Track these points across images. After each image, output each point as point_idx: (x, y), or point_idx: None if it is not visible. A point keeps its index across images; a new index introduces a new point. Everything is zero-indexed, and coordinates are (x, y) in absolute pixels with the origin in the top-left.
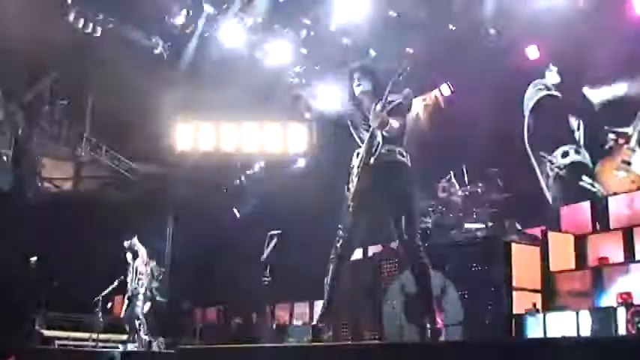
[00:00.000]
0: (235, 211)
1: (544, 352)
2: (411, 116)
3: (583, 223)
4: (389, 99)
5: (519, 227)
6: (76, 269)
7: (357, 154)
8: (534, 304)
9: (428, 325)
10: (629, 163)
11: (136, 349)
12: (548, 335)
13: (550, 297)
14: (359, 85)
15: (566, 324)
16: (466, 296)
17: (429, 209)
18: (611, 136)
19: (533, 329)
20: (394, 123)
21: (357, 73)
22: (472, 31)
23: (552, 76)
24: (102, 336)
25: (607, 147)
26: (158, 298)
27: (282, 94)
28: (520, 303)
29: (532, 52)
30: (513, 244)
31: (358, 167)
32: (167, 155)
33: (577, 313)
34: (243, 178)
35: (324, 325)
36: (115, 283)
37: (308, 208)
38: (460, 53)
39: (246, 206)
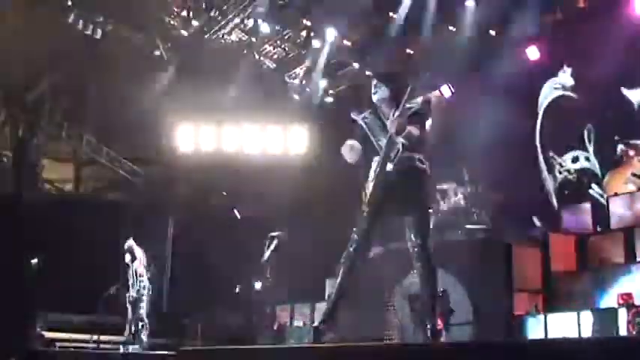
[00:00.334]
0: (236, 212)
1: (545, 353)
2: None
3: (584, 224)
4: (407, 106)
5: (520, 228)
6: (76, 271)
7: (375, 160)
8: (535, 305)
9: (428, 326)
10: (639, 177)
11: (137, 350)
12: (550, 336)
13: (551, 298)
14: (376, 92)
15: (567, 325)
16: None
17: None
18: (622, 147)
19: (535, 330)
20: (413, 130)
21: (375, 80)
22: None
23: (566, 77)
24: (103, 337)
25: (617, 158)
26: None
27: (283, 96)
28: (521, 304)
29: (532, 53)
30: (514, 245)
31: (375, 172)
32: (168, 157)
33: (578, 314)
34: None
35: (325, 327)
36: (113, 290)
37: (309, 210)
38: (462, 54)
39: (247, 207)
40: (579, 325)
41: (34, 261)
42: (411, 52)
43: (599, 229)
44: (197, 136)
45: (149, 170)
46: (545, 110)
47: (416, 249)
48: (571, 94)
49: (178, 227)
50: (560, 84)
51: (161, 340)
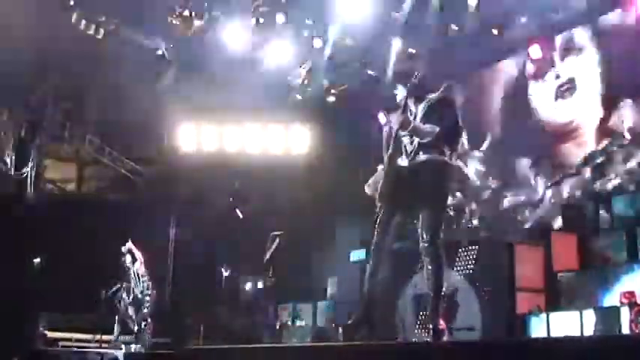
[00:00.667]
0: (238, 211)
1: (548, 352)
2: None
3: (586, 223)
4: (419, 109)
5: (522, 227)
6: (79, 270)
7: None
8: (538, 305)
9: (430, 326)
10: None
11: (139, 349)
12: (552, 335)
13: (553, 297)
14: (395, 93)
15: (569, 324)
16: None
17: None
18: None
19: (537, 329)
20: (420, 125)
21: (395, 81)
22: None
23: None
24: (105, 337)
25: None
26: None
27: (285, 95)
28: (523, 303)
29: (534, 52)
30: (517, 244)
31: (384, 169)
32: (170, 156)
33: (581, 313)
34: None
35: (359, 324)
36: (111, 291)
37: (310, 209)
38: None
39: (249, 207)
40: (582, 323)
41: (37, 260)
42: (414, 51)
43: (601, 227)
44: (199, 136)
45: (151, 170)
46: None
47: (425, 245)
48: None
49: (180, 227)
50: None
51: (163, 340)
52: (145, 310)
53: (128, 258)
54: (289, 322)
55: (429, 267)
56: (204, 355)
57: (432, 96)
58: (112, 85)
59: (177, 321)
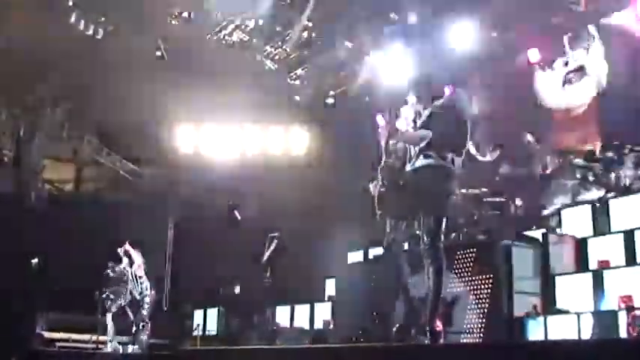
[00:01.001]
0: (236, 213)
1: (545, 356)
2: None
3: (584, 225)
4: (425, 110)
5: (520, 230)
6: (77, 271)
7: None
8: (535, 307)
9: (427, 327)
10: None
11: (137, 350)
12: (549, 338)
13: (551, 300)
14: (406, 100)
15: (567, 327)
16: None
17: None
18: None
19: (534, 332)
20: (409, 133)
21: (408, 86)
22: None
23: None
24: (102, 338)
25: None
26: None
27: (284, 96)
28: (520, 306)
29: (533, 55)
30: (514, 247)
31: (380, 175)
32: (168, 157)
33: (578, 317)
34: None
35: (409, 325)
36: (99, 294)
37: (308, 210)
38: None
39: (248, 208)
40: (579, 327)
41: (35, 261)
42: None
43: (599, 230)
44: (198, 137)
45: (149, 171)
46: None
47: (425, 247)
48: None
49: (178, 228)
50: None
51: (161, 341)
52: (144, 312)
53: (125, 260)
54: (288, 324)
55: (430, 269)
56: (202, 356)
57: (437, 102)
58: (110, 85)
59: (176, 322)
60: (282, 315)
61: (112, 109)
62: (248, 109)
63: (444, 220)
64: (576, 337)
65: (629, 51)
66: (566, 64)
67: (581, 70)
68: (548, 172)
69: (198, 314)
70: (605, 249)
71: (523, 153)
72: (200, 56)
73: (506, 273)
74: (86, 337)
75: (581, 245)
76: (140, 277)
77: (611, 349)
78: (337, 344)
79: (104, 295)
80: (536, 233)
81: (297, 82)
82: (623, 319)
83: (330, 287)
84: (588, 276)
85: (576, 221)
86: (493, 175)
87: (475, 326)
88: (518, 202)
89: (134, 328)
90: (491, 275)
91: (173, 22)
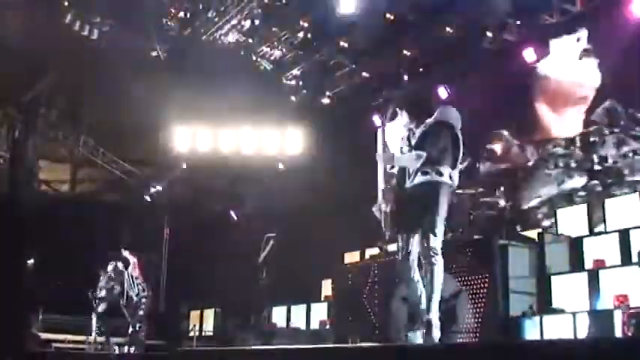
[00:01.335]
0: (232, 213)
1: (541, 355)
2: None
3: (579, 225)
4: (418, 128)
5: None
6: (73, 272)
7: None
8: (531, 307)
9: (423, 318)
10: None
11: (134, 351)
12: (545, 338)
13: (546, 299)
14: (400, 118)
15: (562, 326)
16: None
17: None
18: None
19: (530, 332)
20: (403, 157)
21: (397, 105)
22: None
23: None
24: (99, 339)
25: None
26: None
27: (280, 97)
28: (516, 305)
29: (529, 55)
30: (509, 247)
31: (383, 192)
32: (164, 158)
33: (574, 316)
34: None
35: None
36: (90, 294)
37: (304, 211)
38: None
39: (244, 208)
40: (575, 326)
41: (30, 262)
42: (408, 53)
43: (594, 230)
44: (193, 137)
45: (145, 171)
46: None
47: (424, 248)
48: None
49: (174, 228)
50: None
51: (157, 342)
52: (141, 312)
53: (120, 264)
54: (284, 324)
55: (428, 268)
56: (198, 357)
57: (429, 120)
58: (107, 86)
59: (172, 322)
60: (278, 315)
61: (107, 110)
62: (244, 110)
63: (443, 230)
64: (572, 337)
65: (624, 49)
66: (579, 40)
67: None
68: (530, 164)
69: (194, 315)
70: (601, 248)
71: (501, 148)
72: (196, 56)
73: (502, 272)
74: (82, 337)
75: (576, 245)
76: (136, 278)
77: (607, 349)
78: (334, 344)
79: (91, 295)
80: (532, 233)
81: (293, 82)
82: (618, 318)
83: (327, 287)
84: (584, 275)
85: (572, 221)
86: (475, 173)
87: (471, 326)
88: (501, 200)
89: (130, 329)
90: (487, 275)
91: (169, 22)
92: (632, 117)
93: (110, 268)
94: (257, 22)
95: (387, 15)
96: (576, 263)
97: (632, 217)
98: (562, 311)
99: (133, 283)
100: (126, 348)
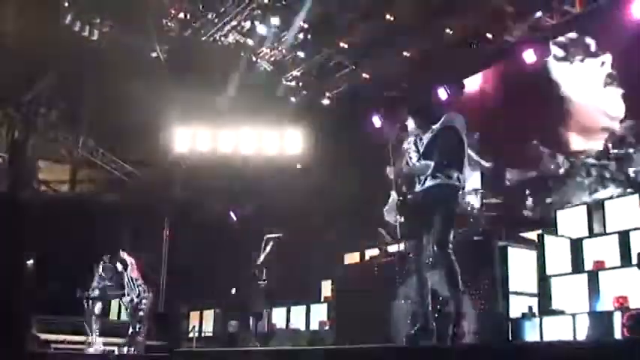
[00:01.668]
0: (232, 214)
1: (541, 357)
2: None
3: (579, 226)
4: (425, 134)
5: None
6: (72, 272)
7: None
8: (530, 308)
9: (451, 329)
10: None
11: (134, 352)
12: (545, 339)
13: (546, 301)
14: (407, 124)
15: (562, 328)
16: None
17: None
18: None
19: (530, 333)
20: (413, 167)
21: (407, 113)
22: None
23: None
24: (98, 339)
25: None
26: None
27: (279, 97)
28: (516, 306)
29: (529, 56)
30: (509, 248)
31: (394, 199)
32: (164, 158)
33: (573, 317)
34: None
35: (421, 333)
36: (79, 293)
37: (304, 211)
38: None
39: (243, 210)
40: (575, 328)
41: (30, 262)
42: (408, 54)
43: (594, 231)
44: (193, 138)
45: (145, 172)
46: None
47: (435, 251)
48: None
49: (174, 229)
50: None
51: (157, 342)
52: (141, 314)
53: (119, 265)
54: (284, 325)
55: (442, 271)
56: (198, 358)
57: (435, 126)
58: (106, 86)
59: (172, 323)
60: (278, 316)
61: (107, 111)
62: (244, 110)
63: (452, 231)
64: (572, 338)
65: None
66: (603, 64)
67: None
68: (561, 172)
69: (194, 315)
70: (601, 250)
71: (532, 156)
72: (196, 57)
73: (502, 274)
74: (81, 338)
75: (576, 246)
76: (136, 280)
77: (607, 350)
78: (334, 346)
79: (85, 296)
80: (532, 234)
81: (293, 83)
82: (618, 319)
83: (326, 288)
84: (583, 277)
85: (572, 222)
86: (499, 180)
87: (471, 327)
88: (529, 203)
89: (130, 330)
90: (488, 276)
91: (169, 23)
92: None
93: (101, 268)
94: (256, 22)
95: (387, 15)
96: (576, 264)
97: (632, 219)
98: (562, 312)
99: (134, 284)
100: (125, 349)
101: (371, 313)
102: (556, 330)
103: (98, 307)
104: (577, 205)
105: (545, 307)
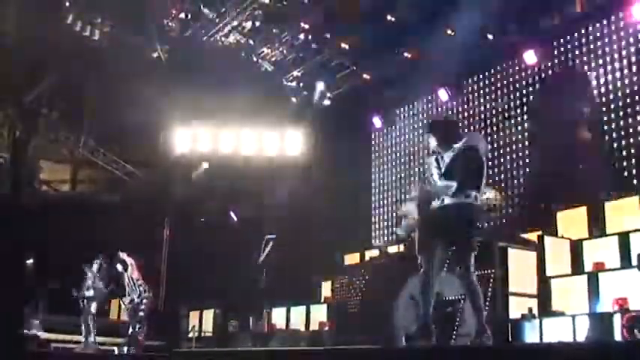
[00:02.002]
0: (232, 214)
1: (541, 358)
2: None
3: (579, 228)
4: (446, 152)
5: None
6: (72, 272)
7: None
8: (530, 309)
9: (482, 339)
10: None
11: (132, 351)
12: (545, 340)
13: (546, 302)
14: (428, 142)
15: (562, 329)
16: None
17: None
18: None
19: (530, 334)
20: (436, 189)
21: (427, 130)
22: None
23: None
24: (98, 339)
25: None
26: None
27: (281, 98)
28: (516, 308)
29: (529, 57)
30: (510, 249)
31: (419, 215)
32: (165, 158)
33: (573, 319)
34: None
35: (420, 334)
36: (75, 293)
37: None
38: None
39: (243, 210)
40: (574, 329)
41: (30, 261)
42: (409, 55)
43: (594, 233)
44: (194, 138)
45: (146, 172)
46: None
47: (460, 274)
48: None
49: (174, 229)
50: None
51: (157, 342)
52: (141, 314)
53: (119, 267)
54: (284, 326)
55: (467, 293)
56: (197, 358)
57: (457, 145)
58: (107, 87)
59: (171, 323)
60: (278, 316)
61: (108, 111)
62: (244, 111)
63: (473, 251)
64: (571, 340)
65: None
66: None
67: None
68: None
69: (194, 315)
70: (601, 251)
71: None
72: (197, 58)
73: (502, 275)
74: (81, 338)
75: (576, 247)
76: (137, 280)
77: (606, 352)
78: (334, 346)
79: (79, 296)
80: (532, 235)
81: (294, 83)
82: (617, 321)
83: (326, 289)
84: (583, 278)
85: (572, 223)
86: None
87: (471, 328)
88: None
89: (130, 330)
90: (488, 277)
91: (170, 23)
92: None
93: (95, 267)
94: (257, 23)
95: (388, 17)
96: (576, 266)
97: (632, 221)
98: (562, 314)
99: (134, 284)
100: (125, 348)
101: (371, 313)
102: (556, 331)
103: (94, 307)
104: (577, 206)
105: (545, 309)
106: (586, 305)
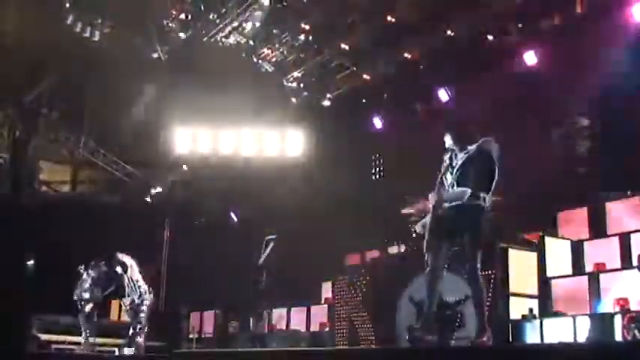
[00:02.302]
0: (232, 215)
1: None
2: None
3: (580, 228)
4: (460, 153)
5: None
6: (72, 273)
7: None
8: (531, 310)
9: (484, 339)
10: None
11: (133, 352)
12: (545, 341)
13: (547, 302)
14: (444, 141)
15: (563, 330)
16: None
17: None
18: None
19: (531, 335)
20: (450, 195)
21: (445, 128)
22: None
23: None
24: (98, 340)
25: None
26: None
27: (281, 98)
28: (517, 308)
29: (529, 58)
30: (510, 249)
31: (433, 214)
32: (165, 159)
33: (574, 319)
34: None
35: (421, 332)
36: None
37: (304, 213)
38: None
39: (243, 211)
40: (575, 330)
41: (30, 262)
42: (409, 55)
43: (595, 233)
44: (194, 139)
45: (146, 173)
46: None
47: (466, 275)
48: None
49: (174, 229)
50: None
51: (157, 343)
52: (142, 314)
53: (119, 268)
54: (283, 326)
55: (474, 293)
56: (198, 359)
57: (471, 148)
58: (108, 87)
59: (172, 324)
60: (278, 317)
61: (108, 111)
62: (244, 111)
63: (480, 250)
64: (572, 340)
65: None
66: None
67: None
68: None
69: (194, 316)
70: (601, 252)
71: None
72: (197, 58)
73: (502, 275)
74: (81, 339)
75: (577, 248)
76: (137, 281)
77: (607, 352)
78: (334, 347)
79: (75, 297)
80: (533, 236)
81: (294, 84)
82: (618, 321)
83: (327, 290)
84: (584, 279)
85: (573, 224)
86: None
87: (470, 331)
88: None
89: (131, 331)
90: (488, 277)
91: (170, 24)
92: None
93: (92, 272)
94: (258, 24)
95: (388, 17)
96: (577, 266)
97: (633, 221)
98: (562, 314)
99: (135, 286)
100: (125, 349)
101: (371, 313)
102: (557, 332)
103: (88, 308)
104: (578, 206)
105: (546, 309)
106: (587, 306)
